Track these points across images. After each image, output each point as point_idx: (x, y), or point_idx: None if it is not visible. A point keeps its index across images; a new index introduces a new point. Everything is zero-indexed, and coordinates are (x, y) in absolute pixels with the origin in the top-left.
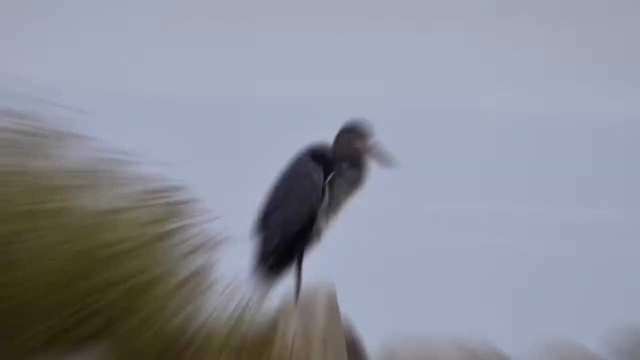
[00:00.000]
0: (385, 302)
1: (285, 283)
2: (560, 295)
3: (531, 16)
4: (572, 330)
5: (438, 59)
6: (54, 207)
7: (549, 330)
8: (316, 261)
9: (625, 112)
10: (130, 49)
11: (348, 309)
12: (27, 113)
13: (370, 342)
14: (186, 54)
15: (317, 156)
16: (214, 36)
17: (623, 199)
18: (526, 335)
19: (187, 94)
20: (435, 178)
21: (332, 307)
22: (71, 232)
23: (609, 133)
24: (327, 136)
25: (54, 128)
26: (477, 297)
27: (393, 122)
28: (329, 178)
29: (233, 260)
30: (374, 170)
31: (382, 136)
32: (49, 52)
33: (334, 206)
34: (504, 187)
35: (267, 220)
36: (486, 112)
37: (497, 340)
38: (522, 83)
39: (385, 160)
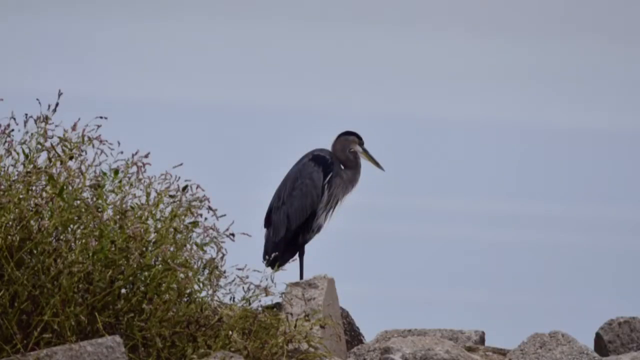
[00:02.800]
0: (381, 295)
1: (290, 270)
2: (555, 289)
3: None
4: (566, 324)
5: (428, 69)
6: (88, 204)
7: (544, 324)
8: (316, 252)
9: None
10: (140, 58)
11: (345, 302)
12: (56, 120)
13: (366, 335)
14: (193, 62)
15: (317, 159)
16: (218, 43)
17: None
18: (521, 329)
19: (198, 100)
20: (426, 178)
21: (331, 292)
22: (103, 226)
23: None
24: (325, 141)
25: (80, 133)
26: (472, 291)
27: (383, 128)
28: (327, 178)
29: (241, 251)
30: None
31: (373, 141)
32: (69, 63)
33: (332, 203)
34: (489, 186)
35: (274, 215)
36: (466, 119)
37: (491, 333)
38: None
39: (376, 163)
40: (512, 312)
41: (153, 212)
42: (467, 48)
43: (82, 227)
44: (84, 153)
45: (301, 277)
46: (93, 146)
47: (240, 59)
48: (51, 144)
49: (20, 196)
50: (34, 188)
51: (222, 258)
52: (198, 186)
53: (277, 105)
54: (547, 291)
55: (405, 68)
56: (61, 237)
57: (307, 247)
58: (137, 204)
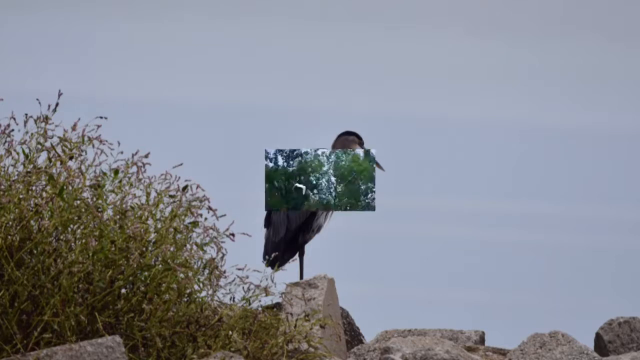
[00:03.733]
0: (381, 295)
1: (290, 270)
2: (555, 289)
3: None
4: (566, 324)
5: (427, 69)
6: (88, 204)
7: (544, 324)
8: (316, 252)
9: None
10: (140, 58)
11: (345, 302)
12: (56, 120)
13: (366, 335)
14: (193, 62)
15: None
16: (218, 43)
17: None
18: (521, 329)
19: (198, 99)
20: (426, 178)
21: (331, 292)
22: (103, 226)
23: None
24: (325, 141)
25: (80, 133)
26: (471, 291)
27: (383, 128)
28: None
29: (241, 251)
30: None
31: (373, 141)
32: (68, 63)
33: None
34: (489, 186)
35: (274, 214)
36: (466, 118)
37: (491, 333)
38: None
39: (376, 163)
40: (512, 312)
41: (153, 212)
42: (467, 48)
43: (82, 227)
44: (84, 153)
45: (301, 277)
46: (93, 146)
47: (240, 59)
48: (51, 144)
49: (20, 196)
50: (34, 188)
51: (222, 258)
52: (198, 186)
53: (277, 105)
54: (547, 291)
55: (406, 68)
56: (61, 237)
57: (307, 247)
58: (137, 204)
